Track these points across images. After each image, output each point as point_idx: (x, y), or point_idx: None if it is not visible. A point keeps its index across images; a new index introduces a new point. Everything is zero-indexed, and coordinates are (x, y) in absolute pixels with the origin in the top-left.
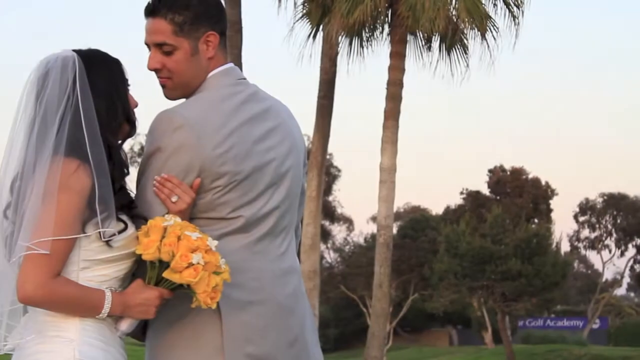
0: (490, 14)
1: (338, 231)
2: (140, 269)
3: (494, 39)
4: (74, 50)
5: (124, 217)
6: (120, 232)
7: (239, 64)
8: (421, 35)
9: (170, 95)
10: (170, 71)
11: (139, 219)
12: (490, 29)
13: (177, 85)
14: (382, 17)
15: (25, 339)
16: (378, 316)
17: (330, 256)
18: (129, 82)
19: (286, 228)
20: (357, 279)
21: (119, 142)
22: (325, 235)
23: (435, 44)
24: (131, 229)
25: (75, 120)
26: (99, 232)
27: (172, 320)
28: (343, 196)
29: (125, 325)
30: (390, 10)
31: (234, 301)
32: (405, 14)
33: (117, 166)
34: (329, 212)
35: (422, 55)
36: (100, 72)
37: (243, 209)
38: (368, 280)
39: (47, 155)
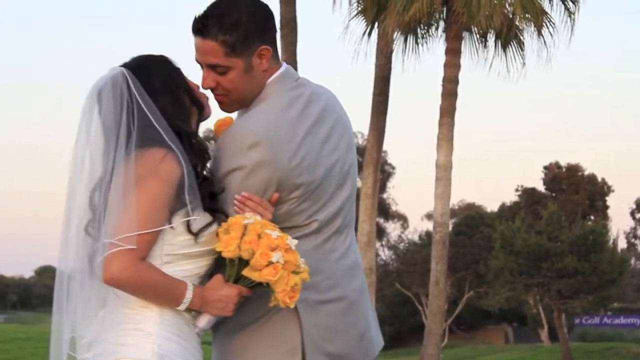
0: (546, 10)
1: (392, 229)
2: (220, 267)
3: (550, 35)
4: (121, 65)
5: (209, 208)
6: (208, 224)
7: (294, 62)
8: (477, 32)
9: (227, 110)
10: (225, 89)
11: (220, 215)
12: (546, 24)
13: (234, 101)
14: (437, 14)
15: (103, 333)
16: (434, 314)
17: (385, 253)
18: (181, 69)
19: (349, 223)
20: (412, 277)
21: (194, 127)
22: (380, 232)
23: (491, 40)
24: (216, 225)
25: (143, 122)
26: (187, 224)
27: (245, 322)
28: (397, 193)
29: (204, 322)
30: (445, 7)
31: (310, 302)
32: (460, 11)
33: (198, 154)
34: (384, 210)
35: (477, 52)
36: (152, 73)
37: (316, 214)
38: (423, 277)
39: (123, 157)
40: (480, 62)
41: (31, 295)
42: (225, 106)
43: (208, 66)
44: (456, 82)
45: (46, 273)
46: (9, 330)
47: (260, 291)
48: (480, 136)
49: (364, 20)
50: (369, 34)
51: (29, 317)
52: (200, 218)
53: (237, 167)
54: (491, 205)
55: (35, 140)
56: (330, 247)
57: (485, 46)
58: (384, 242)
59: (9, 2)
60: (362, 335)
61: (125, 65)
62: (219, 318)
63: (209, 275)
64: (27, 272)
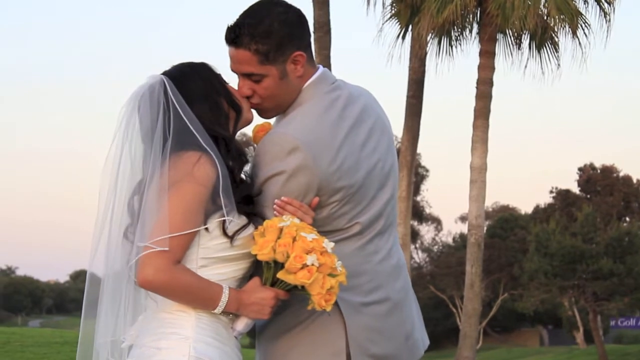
0: (581, 11)
1: (426, 231)
2: (259, 270)
3: (585, 36)
4: (162, 73)
5: (245, 211)
6: (243, 227)
7: (327, 64)
8: (511, 34)
9: (265, 116)
10: (261, 97)
11: (257, 218)
12: (581, 26)
13: (270, 108)
14: (470, 16)
15: (142, 337)
16: (470, 316)
17: (419, 256)
18: (222, 75)
19: (392, 224)
20: (446, 279)
21: (232, 131)
22: (414, 235)
23: (525, 42)
24: (251, 228)
25: (179, 127)
26: (222, 227)
27: (289, 325)
28: (431, 196)
29: (242, 325)
30: (479, 9)
31: (353, 304)
32: (494, 13)
33: (236, 157)
34: (417, 212)
35: (511, 54)
36: (192, 80)
37: (358, 216)
38: (457, 280)
39: (159, 161)
40: (514, 64)
41: (66, 300)
42: (262, 113)
43: (243, 75)
44: (490, 84)
45: (81, 277)
46: (47, 335)
47: (302, 295)
48: (514, 138)
49: (398, 23)
50: (403, 37)
51: (64, 322)
52: (235, 221)
53: (276, 172)
54: (525, 207)
55: (72, 147)
56: (373, 249)
57: (519, 48)
58: (417, 245)
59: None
60: (408, 336)
61: (165, 73)
62: (258, 322)
63: (248, 278)
64: (62, 277)
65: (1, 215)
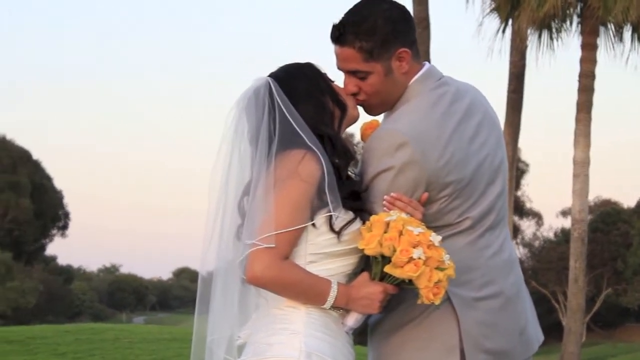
0: None
1: (527, 226)
2: (368, 266)
3: None
4: (268, 75)
5: (352, 207)
6: (349, 222)
7: (427, 60)
8: (612, 26)
9: (372, 114)
10: (367, 94)
11: (365, 213)
12: None
13: (377, 105)
14: (571, 9)
15: (255, 334)
16: (574, 312)
17: (520, 251)
18: (328, 74)
19: (502, 219)
20: (548, 274)
21: (337, 129)
22: (515, 230)
23: (627, 34)
24: (358, 223)
25: (284, 127)
26: (329, 223)
27: (402, 322)
28: (531, 191)
29: (352, 320)
30: (580, 2)
31: (466, 299)
32: (596, 5)
33: (341, 154)
34: (518, 207)
35: (613, 46)
36: (297, 80)
37: (468, 211)
38: (559, 275)
39: (265, 161)
40: (616, 57)
41: (169, 297)
42: (369, 110)
43: (348, 72)
44: (593, 77)
45: (183, 274)
46: (154, 331)
47: (413, 290)
48: (616, 131)
49: (498, 17)
50: (503, 31)
51: (167, 318)
52: (342, 217)
53: (385, 168)
54: (628, 201)
55: (179, 143)
56: (484, 244)
57: (621, 40)
58: (518, 240)
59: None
60: (521, 331)
61: (271, 74)
62: (371, 318)
63: (357, 273)
64: (165, 274)
65: (105, 214)
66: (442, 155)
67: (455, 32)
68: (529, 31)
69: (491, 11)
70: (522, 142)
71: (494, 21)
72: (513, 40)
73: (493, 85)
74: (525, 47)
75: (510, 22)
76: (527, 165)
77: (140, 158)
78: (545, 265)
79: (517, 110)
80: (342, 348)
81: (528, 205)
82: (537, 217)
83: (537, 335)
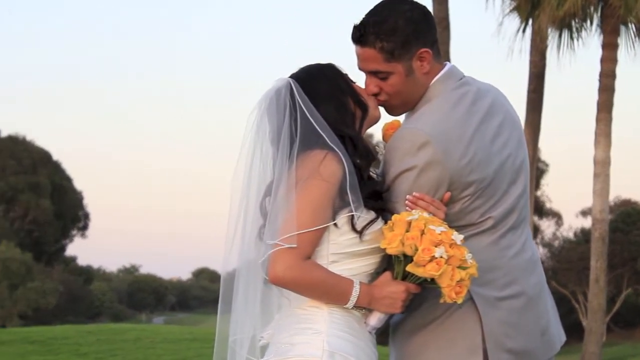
0: None
1: (546, 226)
2: (391, 265)
3: None
4: (289, 76)
5: (373, 207)
6: (371, 221)
7: (447, 60)
8: (633, 26)
9: (393, 114)
10: (388, 94)
11: (387, 213)
12: None
13: (398, 105)
14: (592, 8)
15: (278, 334)
16: (595, 312)
17: (540, 251)
18: (349, 75)
19: (525, 219)
20: (567, 274)
21: (358, 129)
22: (535, 230)
23: None
24: (380, 223)
25: (305, 128)
26: (351, 223)
27: (424, 321)
28: (551, 191)
29: (375, 320)
30: (601, 1)
31: (489, 299)
32: (617, 4)
33: (362, 155)
34: (538, 207)
35: (634, 46)
36: (318, 81)
37: (490, 211)
38: (579, 275)
39: (287, 162)
40: (637, 56)
41: (188, 297)
42: (390, 110)
43: (369, 73)
44: (613, 76)
45: (203, 275)
46: (175, 332)
47: (436, 289)
48: (637, 131)
49: (518, 17)
50: (523, 31)
51: (186, 319)
52: (363, 216)
53: (407, 168)
54: None
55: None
56: (506, 244)
57: None
58: (538, 240)
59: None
60: (544, 331)
61: (292, 75)
62: (393, 318)
63: (379, 273)
64: (185, 274)
65: (125, 215)
66: (464, 155)
67: (475, 32)
68: (549, 31)
69: (511, 11)
70: (541, 142)
71: (514, 21)
72: (533, 39)
73: (513, 85)
74: (546, 46)
75: (530, 21)
76: (546, 165)
77: (161, 161)
78: (565, 265)
79: (537, 110)
80: (365, 347)
81: (548, 205)
82: (557, 217)
83: (559, 335)
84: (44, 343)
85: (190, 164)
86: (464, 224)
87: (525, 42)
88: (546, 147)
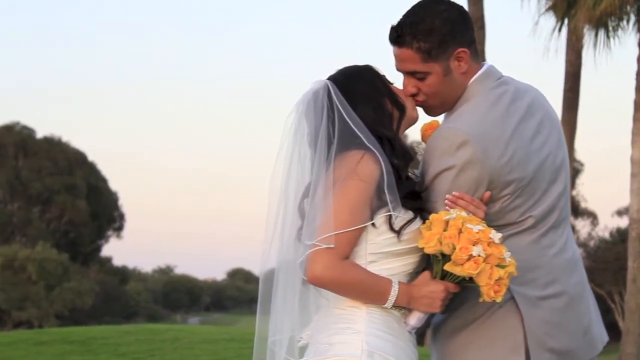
0: None
1: (582, 226)
2: (430, 265)
3: None
4: (327, 78)
5: (411, 206)
6: (409, 221)
7: (482, 60)
8: None
9: (431, 114)
10: (426, 94)
11: (425, 213)
12: None
13: (436, 105)
14: (628, 7)
15: (317, 334)
16: (632, 312)
17: None
18: (386, 76)
19: (565, 218)
20: (603, 274)
21: (395, 130)
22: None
23: None
24: (418, 222)
25: (343, 130)
26: (389, 222)
27: (465, 321)
28: (586, 190)
29: (414, 319)
30: (637, 0)
31: (530, 298)
32: None
33: (400, 155)
34: (573, 207)
35: None
36: (356, 83)
37: (531, 210)
38: (615, 275)
39: (324, 163)
40: None
41: (223, 297)
42: (428, 111)
43: (407, 73)
44: None
45: (237, 275)
46: (213, 332)
47: (478, 290)
48: None
49: (554, 16)
50: (559, 30)
51: (221, 319)
52: (401, 216)
53: (446, 167)
54: None
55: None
56: (547, 243)
57: None
58: (574, 240)
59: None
60: (586, 331)
61: (330, 77)
62: (435, 317)
63: (419, 272)
64: (219, 275)
65: (160, 216)
66: (503, 154)
67: (510, 31)
68: (585, 30)
69: (547, 10)
70: (576, 142)
71: (549, 20)
72: (569, 39)
73: (549, 85)
74: (582, 45)
75: (566, 20)
76: (581, 164)
77: (196, 162)
78: (601, 265)
79: (573, 109)
80: (405, 347)
81: (583, 205)
82: (593, 216)
83: (601, 335)
84: (83, 343)
85: (226, 165)
86: (504, 223)
87: (561, 42)
88: (581, 147)
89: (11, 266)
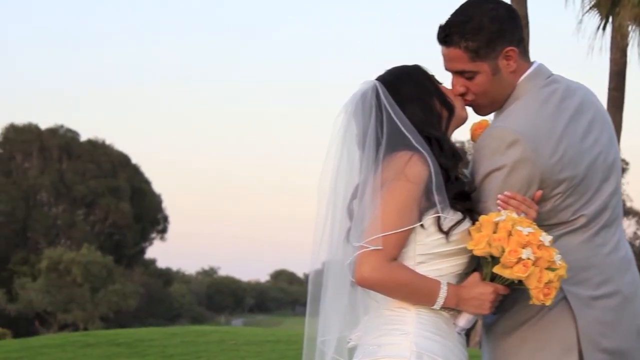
0: None
1: (627, 225)
2: (479, 266)
3: None
4: (376, 78)
5: (460, 207)
6: (458, 222)
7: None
8: None
9: (481, 113)
10: (475, 94)
11: (474, 214)
12: None
13: (485, 104)
14: None
15: (365, 336)
16: None
17: None
18: (435, 76)
19: (617, 217)
20: None
21: (444, 130)
22: None
23: None
24: (467, 223)
25: (391, 130)
26: (437, 223)
27: (517, 322)
28: (632, 190)
29: (463, 321)
30: None
31: (583, 298)
32: None
33: (449, 156)
34: None
35: None
36: (405, 83)
37: (583, 209)
38: None
39: (373, 164)
40: None
41: (266, 299)
42: (478, 110)
43: (456, 72)
44: None
45: (281, 277)
46: (258, 333)
47: (516, 288)
48: None
49: (598, 14)
50: (604, 28)
51: (265, 320)
52: (450, 217)
53: (497, 167)
54: None
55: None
56: (600, 242)
57: None
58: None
59: None
60: (639, 330)
61: (379, 78)
62: (487, 318)
63: (468, 273)
64: (263, 277)
65: (202, 218)
66: (554, 152)
67: (554, 30)
68: (630, 28)
69: (591, 8)
70: (622, 141)
71: (593, 18)
72: (613, 37)
73: (593, 83)
74: (627, 44)
75: (610, 19)
76: (627, 163)
77: (238, 166)
78: None
79: (618, 108)
80: (454, 348)
81: (628, 204)
82: (638, 216)
83: None
84: (130, 345)
85: (266, 169)
86: (556, 223)
87: (605, 40)
88: (626, 146)
89: (56, 269)
